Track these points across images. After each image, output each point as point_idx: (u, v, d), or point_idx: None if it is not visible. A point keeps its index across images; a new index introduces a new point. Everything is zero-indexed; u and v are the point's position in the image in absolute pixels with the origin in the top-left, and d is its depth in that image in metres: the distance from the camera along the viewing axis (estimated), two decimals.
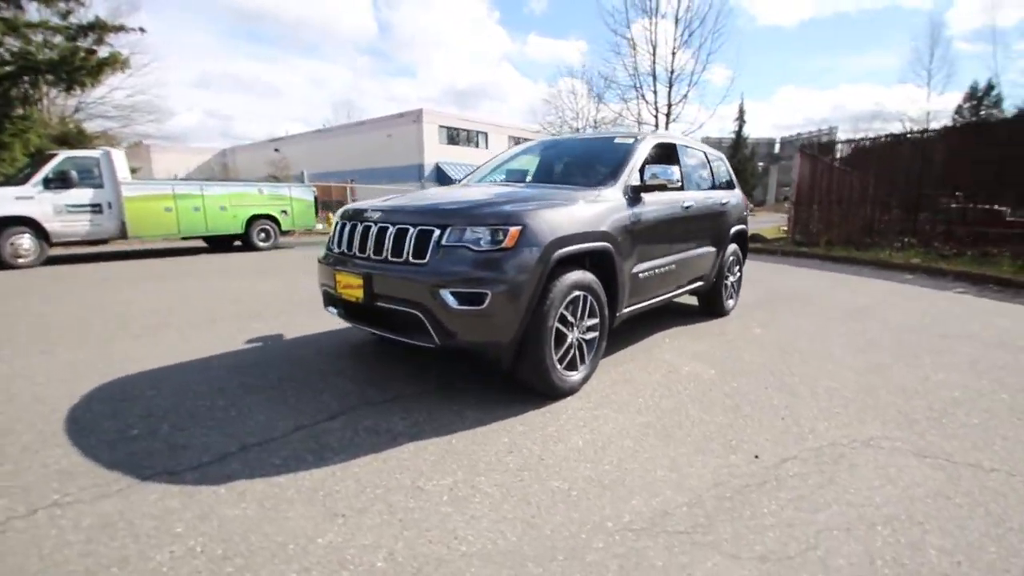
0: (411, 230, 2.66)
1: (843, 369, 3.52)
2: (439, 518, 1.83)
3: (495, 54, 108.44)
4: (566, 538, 1.73)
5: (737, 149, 47.16)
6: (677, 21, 17.07)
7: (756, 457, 2.30)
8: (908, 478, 2.15)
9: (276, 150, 35.76)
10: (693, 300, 5.16)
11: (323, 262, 3.20)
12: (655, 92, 17.90)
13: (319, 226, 12.77)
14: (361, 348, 3.80)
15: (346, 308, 3.04)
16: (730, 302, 5.16)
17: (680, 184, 3.66)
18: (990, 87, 40.63)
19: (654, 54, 17.47)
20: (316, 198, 12.13)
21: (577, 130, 28.89)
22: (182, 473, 2.08)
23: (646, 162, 3.62)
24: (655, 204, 3.57)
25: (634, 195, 3.40)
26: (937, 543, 1.74)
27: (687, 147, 4.43)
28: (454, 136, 31.24)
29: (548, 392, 2.85)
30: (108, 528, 1.73)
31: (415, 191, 3.56)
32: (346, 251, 2.99)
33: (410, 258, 2.64)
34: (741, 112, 48.24)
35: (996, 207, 10.56)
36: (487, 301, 2.48)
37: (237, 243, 11.25)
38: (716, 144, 25.30)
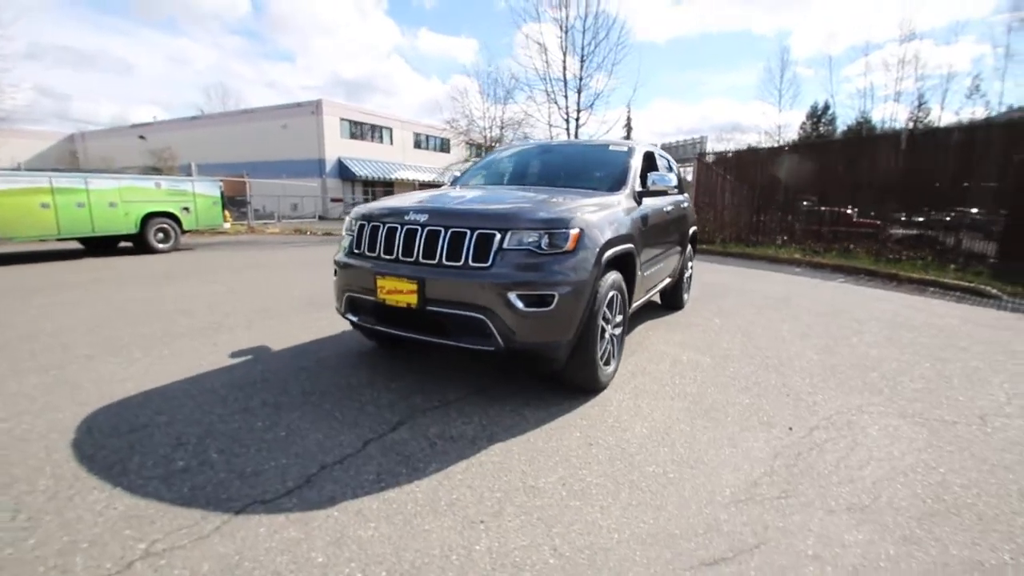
0: (469, 233, 2.65)
1: (803, 350, 4.12)
2: (573, 512, 1.91)
3: (384, 46, 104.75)
4: (694, 514, 1.92)
5: None
6: (584, 31, 18.04)
7: (790, 429, 2.67)
8: (906, 435, 2.65)
9: (141, 137, 31.33)
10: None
11: (349, 266, 3.03)
12: (566, 96, 18.72)
13: (226, 225, 11.53)
14: (365, 356, 3.64)
15: (384, 314, 2.91)
16: (685, 296, 5.70)
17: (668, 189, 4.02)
18: (826, 107, 48.29)
19: (564, 60, 18.26)
20: (223, 194, 10.96)
21: (486, 129, 29.17)
22: (277, 501, 1.91)
23: (643, 169, 3.92)
24: (650, 208, 3.88)
25: (638, 199, 3.67)
26: (956, 481, 2.20)
27: (658, 155, 4.83)
28: (357, 130, 29.80)
29: (592, 387, 3.01)
30: (238, 570, 1.56)
31: (425, 193, 3.45)
32: (384, 255, 2.87)
33: (470, 262, 2.63)
34: (628, 120, 51.89)
35: (844, 210, 12.72)
36: (554, 302, 2.57)
37: (125, 245, 9.79)
38: None
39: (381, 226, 2.92)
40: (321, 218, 22.79)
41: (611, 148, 4.21)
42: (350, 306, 3.11)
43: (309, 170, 26.40)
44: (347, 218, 3.37)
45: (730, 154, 15.61)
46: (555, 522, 1.84)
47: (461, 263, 2.65)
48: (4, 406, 2.68)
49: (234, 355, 3.60)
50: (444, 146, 35.84)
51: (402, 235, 2.81)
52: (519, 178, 4.08)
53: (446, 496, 1.98)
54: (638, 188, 3.72)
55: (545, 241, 2.61)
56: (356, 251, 3.04)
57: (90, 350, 3.64)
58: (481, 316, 2.59)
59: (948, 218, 10.71)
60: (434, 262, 2.71)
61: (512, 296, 2.55)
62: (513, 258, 2.59)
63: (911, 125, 41.57)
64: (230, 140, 29.40)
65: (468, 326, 2.66)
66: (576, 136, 19.05)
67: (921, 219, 10.98)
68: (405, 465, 2.20)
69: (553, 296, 2.57)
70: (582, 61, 18.35)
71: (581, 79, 18.52)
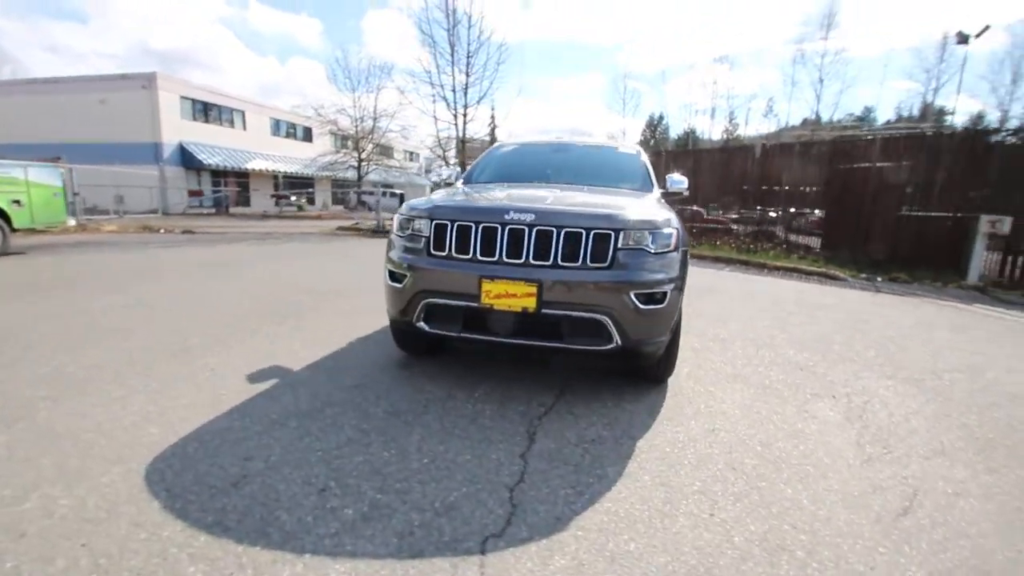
0: (585, 234, 2.62)
1: (768, 329, 4.82)
2: (773, 491, 2.07)
3: (207, 15, 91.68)
4: (853, 476, 2.21)
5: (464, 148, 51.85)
6: (471, 26, 18.08)
7: (834, 398, 3.16)
8: (909, 392, 3.32)
9: None
10: None
11: (432, 269, 2.76)
12: (454, 91, 18.58)
13: (72, 222, 9.13)
14: (404, 368, 3.32)
15: (482, 320, 2.72)
16: None
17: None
18: (661, 118, 55.22)
19: (452, 55, 18.10)
20: (65, 184, 8.72)
21: (358, 120, 27.58)
22: (509, 531, 1.73)
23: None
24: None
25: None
26: (972, 420, 2.85)
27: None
28: (202, 111, 25.58)
29: (664, 378, 3.20)
30: None
31: (490, 191, 3.23)
32: (482, 256, 2.68)
33: (588, 262, 2.61)
34: (493, 117, 53.18)
35: (696, 207, 14.81)
36: (666, 299, 2.69)
37: None
38: (478, 144, 27.50)
39: (474, 226, 2.72)
40: (166, 214, 19.25)
41: (620, 150, 4.42)
42: (427, 314, 2.83)
43: (140, 155, 22.02)
44: (400, 216, 3.06)
45: None
46: (771, 504, 1.98)
47: (579, 264, 2.61)
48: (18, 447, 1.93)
49: (252, 380, 3.02)
50: (307, 135, 32.89)
51: (506, 235, 2.66)
52: (547, 176, 4.03)
53: (658, 496, 1.99)
54: (660, 189, 3.99)
55: (653, 240, 2.70)
56: (439, 253, 2.78)
57: (42, 390, 2.74)
58: (602, 316, 2.60)
59: (780, 213, 13.23)
60: (548, 263, 2.62)
61: (632, 295, 2.60)
62: (629, 257, 2.64)
63: (725, 137, 49.81)
64: (25, 116, 23.16)
65: (587, 327, 2.64)
66: (464, 132, 19.10)
67: (773, 215, 13.33)
68: (583, 473, 2.14)
69: (666, 293, 2.68)
70: (468, 58, 18.38)
71: (468, 76, 18.53)
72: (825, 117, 46.91)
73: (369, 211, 28.72)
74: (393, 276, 2.95)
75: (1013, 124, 39.83)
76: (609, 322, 2.60)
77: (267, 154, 29.24)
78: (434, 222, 2.83)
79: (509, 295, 2.60)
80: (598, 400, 2.92)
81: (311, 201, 31.10)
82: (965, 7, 59.19)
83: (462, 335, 2.80)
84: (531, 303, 2.58)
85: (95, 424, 2.39)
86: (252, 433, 2.36)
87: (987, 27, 19.13)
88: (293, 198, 28.10)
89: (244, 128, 28.40)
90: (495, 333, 2.77)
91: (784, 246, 12.36)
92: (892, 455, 2.43)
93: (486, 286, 2.62)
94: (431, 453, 2.24)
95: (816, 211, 13.43)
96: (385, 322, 4.37)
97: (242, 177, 27.95)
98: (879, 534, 1.83)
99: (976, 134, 11.15)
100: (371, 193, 29.31)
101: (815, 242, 12.62)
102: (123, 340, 3.68)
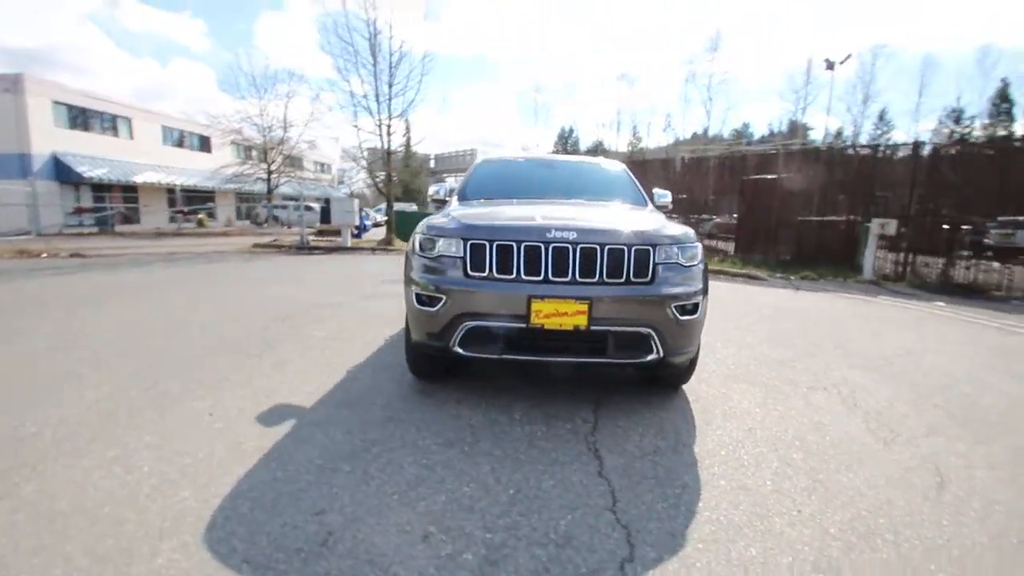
0: (627, 251, 2.68)
1: (738, 329, 5.22)
2: (846, 493, 2.25)
3: (72, 11, 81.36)
4: (890, 456, 2.47)
5: (408, 161, 50.95)
6: (392, 36, 17.71)
7: (826, 389, 3.50)
8: (877, 379, 3.75)
9: None
10: None
11: (474, 291, 2.67)
12: (378, 101, 18.04)
13: None
14: (418, 394, 3.17)
15: (529, 340, 2.68)
16: None
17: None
18: (571, 131, 57.67)
19: (375, 65, 17.60)
20: None
21: (266, 129, 25.91)
22: (636, 558, 1.73)
23: None
24: None
25: None
26: (939, 400, 3.30)
27: None
28: (80, 118, 22.36)
29: (683, 383, 3.35)
30: None
31: (513, 209, 3.20)
32: (527, 276, 2.65)
33: (631, 278, 2.68)
34: (408, 127, 52.31)
35: None
36: (699, 310, 2.83)
37: None
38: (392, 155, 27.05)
39: (516, 245, 2.68)
40: (40, 235, 16.53)
41: (605, 166, 4.57)
42: (467, 338, 2.73)
43: (4, 169, 18.85)
44: (421, 236, 2.94)
45: None
46: (837, 494, 2.15)
47: (623, 280, 2.67)
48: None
49: (266, 422, 2.72)
50: (205, 145, 30.12)
51: (550, 254, 2.65)
52: (547, 191, 4.04)
53: (744, 500, 2.08)
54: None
55: (683, 254, 2.84)
56: (478, 274, 2.71)
57: (8, 459, 2.26)
58: (646, 329, 2.68)
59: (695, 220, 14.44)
60: (594, 280, 2.66)
61: (673, 307, 2.71)
62: (667, 271, 2.75)
63: (630, 149, 53.24)
64: None
65: (632, 341, 2.71)
66: (388, 143, 18.62)
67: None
68: (665, 485, 2.18)
69: (698, 304, 2.82)
70: (391, 69, 17.97)
71: (391, 87, 18.10)
72: (714, 132, 51.86)
73: (282, 226, 26.98)
74: (423, 300, 2.81)
75: (864, 139, 46.57)
76: (653, 335, 2.68)
77: (159, 165, 26.36)
78: (469, 242, 2.75)
79: (560, 314, 2.60)
80: (634, 411, 2.98)
81: (211, 215, 28.52)
82: (826, 36, 68.68)
83: (503, 356, 2.75)
84: (583, 321, 2.60)
85: (106, 494, 2.02)
86: (306, 483, 2.13)
87: (849, 55, 22.54)
88: (202, 215, 25.55)
89: (131, 137, 25.35)
90: (539, 352, 2.76)
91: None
92: (901, 437, 2.75)
93: (536, 306, 2.59)
94: (512, 483, 2.16)
95: (715, 218, 14.88)
96: (374, 348, 4.20)
97: (130, 191, 24.94)
98: (934, 509, 2.06)
99: (866, 149, 12.91)
100: (284, 207, 27.59)
101: (729, 246, 13.88)
102: (81, 388, 3.14)
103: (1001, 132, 43.26)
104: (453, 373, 3.45)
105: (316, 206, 25.24)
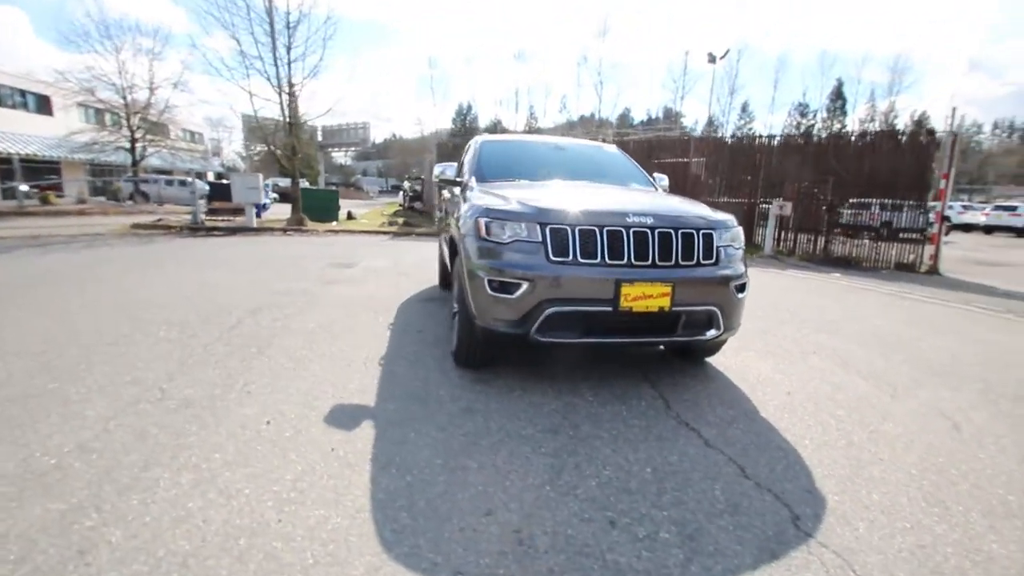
0: (696, 234, 2.83)
1: None
2: (902, 441, 2.64)
3: None
4: (925, 416, 2.95)
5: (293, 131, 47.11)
6: None
7: (826, 352, 4.03)
8: (847, 343, 4.40)
9: None
10: None
11: (560, 277, 2.65)
12: (276, 65, 16.29)
13: None
14: (478, 379, 3.11)
15: (611, 324, 2.74)
16: None
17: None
18: (470, 107, 56.87)
19: (272, 24, 15.81)
20: None
21: (126, 89, 22.21)
22: (801, 517, 1.92)
23: None
24: None
25: None
26: (903, 357, 3.97)
27: None
28: None
29: (714, 355, 3.65)
30: None
31: (586, 191, 3.17)
32: (609, 259, 2.69)
33: (701, 260, 2.85)
34: (292, 95, 48.05)
35: None
36: (746, 288, 3.10)
37: None
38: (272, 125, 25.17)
39: (598, 230, 2.70)
40: None
41: (606, 149, 4.68)
42: (548, 324, 2.72)
43: None
44: (485, 220, 2.85)
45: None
46: (896, 442, 2.54)
47: (695, 262, 2.83)
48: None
49: (336, 423, 2.49)
50: (43, 106, 24.87)
51: (631, 238, 2.72)
52: (559, 173, 4.01)
53: (841, 457, 2.38)
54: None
55: (736, 237, 3.07)
56: (561, 259, 2.69)
57: (56, 502, 1.82)
58: (714, 308, 2.88)
59: None
60: (671, 263, 2.78)
61: (733, 286, 2.94)
62: (725, 254, 2.96)
63: (527, 129, 54.15)
64: None
65: (700, 319, 2.89)
66: (291, 108, 17.03)
67: None
68: (767, 450, 2.41)
69: (746, 283, 3.09)
70: (289, 30, 16.28)
71: (290, 49, 16.43)
72: (605, 115, 54.60)
73: (151, 203, 23.39)
74: (498, 286, 2.73)
75: (730, 128, 52.03)
76: (718, 312, 2.90)
77: None
78: (549, 227, 2.72)
79: (646, 296, 2.69)
80: (687, 386, 3.20)
81: (52, 189, 23.92)
82: (699, 32, 74.94)
83: (583, 340, 2.79)
84: (666, 303, 2.72)
85: (234, 529, 1.74)
86: (445, 484, 2.02)
87: (728, 51, 25.04)
88: (49, 190, 21.15)
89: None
90: (618, 335, 2.84)
91: None
92: (900, 391, 3.28)
93: (626, 289, 2.66)
94: (641, 461, 2.25)
95: None
96: (384, 338, 3.97)
97: None
98: (964, 446, 2.53)
99: (752, 138, 14.48)
100: (154, 181, 23.98)
101: None
102: (67, 407, 2.59)
103: (836, 125, 51.13)
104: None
105: (198, 182, 22.31)
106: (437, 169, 4.20)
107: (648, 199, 3.29)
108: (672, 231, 2.79)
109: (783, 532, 1.80)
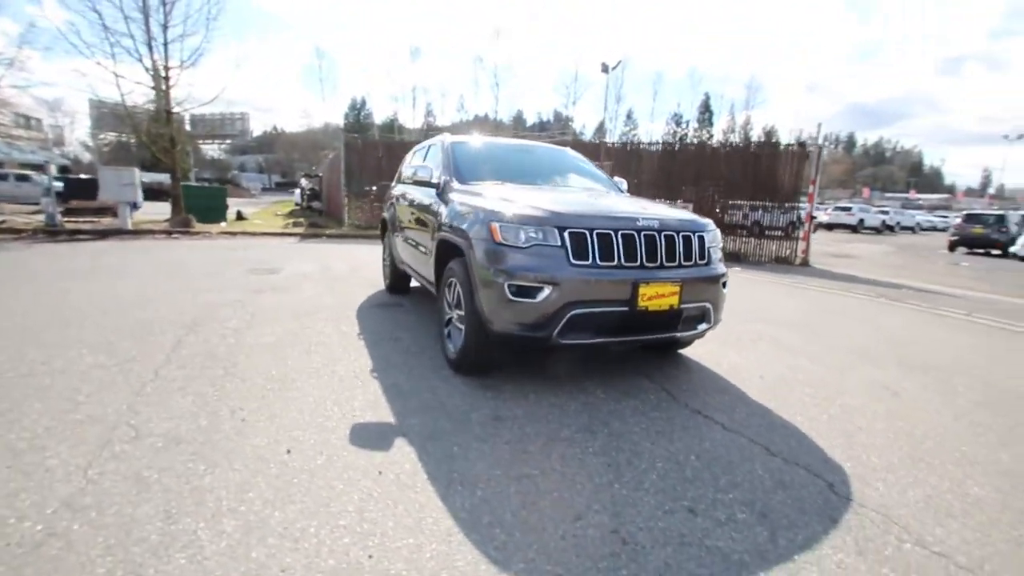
0: (693, 236, 3.06)
1: None
2: (888, 406, 3.08)
3: None
4: (899, 382, 3.46)
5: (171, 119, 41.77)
6: None
7: (777, 340, 4.55)
8: (784, 330, 5.01)
9: None
10: None
11: (585, 280, 2.71)
12: (149, 45, 14.30)
13: None
14: (488, 386, 3.09)
15: (626, 323, 2.85)
16: None
17: None
18: (364, 102, 54.43)
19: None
20: None
21: None
22: (836, 485, 2.19)
23: None
24: None
25: None
26: (838, 343, 4.63)
27: None
28: None
29: (685, 347, 3.96)
30: None
31: (582, 196, 3.22)
32: (625, 262, 2.80)
33: (697, 260, 3.08)
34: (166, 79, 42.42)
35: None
36: (727, 284, 3.42)
37: None
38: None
39: (614, 234, 2.81)
40: None
41: (570, 153, 4.81)
42: (570, 326, 2.77)
43: None
44: (502, 224, 2.83)
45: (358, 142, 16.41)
46: (885, 412, 2.98)
47: (692, 262, 3.06)
48: None
49: (372, 445, 2.32)
50: None
51: (643, 241, 2.86)
52: (534, 175, 4.06)
53: (839, 425, 2.73)
54: None
55: (717, 239, 3.36)
56: (581, 262, 2.75)
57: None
58: (708, 304, 3.14)
59: None
60: (675, 263, 2.98)
61: (722, 283, 3.23)
62: (712, 253, 3.23)
63: (425, 127, 53.36)
64: None
65: (697, 315, 3.13)
66: (164, 94, 15.06)
67: None
68: (780, 429, 2.70)
69: (728, 280, 3.40)
70: (165, 6, 14.38)
71: (166, 27, 14.52)
72: (501, 116, 55.69)
73: None
74: (523, 291, 2.73)
75: (617, 134, 55.77)
76: (711, 308, 3.16)
77: None
78: (568, 231, 2.78)
79: (660, 296, 2.86)
80: (680, 377, 3.45)
81: None
82: (593, 42, 79.05)
83: (599, 340, 2.89)
84: (675, 301, 2.91)
85: None
86: (521, 495, 1.98)
87: (620, 62, 26.88)
88: None
89: None
90: (631, 333, 2.97)
91: None
92: (843, 369, 3.83)
93: (643, 290, 2.79)
94: (682, 451, 2.39)
95: None
96: (360, 348, 3.78)
97: None
98: (914, 411, 3.04)
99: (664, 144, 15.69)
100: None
101: None
102: (41, 458, 2.10)
103: (704, 134, 57.18)
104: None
105: (46, 177, 18.83)
106: (408, 170, 4.05)
107: (640, 203, 3.48)
108: (675, 234, 2.99)
109: (828, 499, 2.05)
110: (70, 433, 2.33)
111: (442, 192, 3.80)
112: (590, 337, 2.85)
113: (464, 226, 3.11)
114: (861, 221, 27.24)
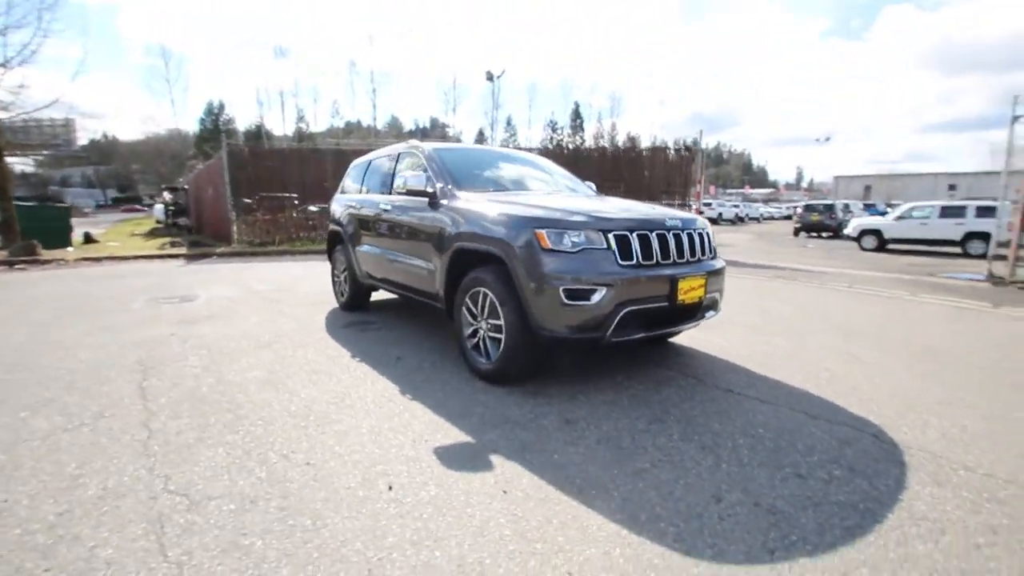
0: (702, 233, 3.35)
1: None
2: (885, 374, 3.61)
3: None
4: (817, 351, 4.05)
5: None
6: None
7: (737, 321, 5.08)
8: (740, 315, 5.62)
9: None
10: None
11: (635, 279, 2.84)
12: None
13: None
14: (529, 392, 3.10)
15: (664, 317, 3.03)
16: None
17: None
18: (222, 106, 49.12)
19: None
20: None
21: None
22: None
23: None
24: None
25: None
26: (762, 311, 5.32)
27: None
28: None
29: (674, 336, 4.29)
30: None
31: (587, 201, 3.33)
32: (659, 259, 2.99)
33: (710, 254, 3.38)
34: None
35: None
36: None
37: None
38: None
39: (651, 234, 2.99)
40: None
41: (545, 159, 4.91)
42: (622, 325, 2.88)
43: None
44: (548, 231, 2.87)
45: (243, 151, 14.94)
46: (881, 373, 3.51)
47: (707, 257, 3.36)
48: None
49: (463, 466, 2.22)
50: None
51: (672, 240, 3.08)
52: (524, 182, 4.12)
53: (836, 387, 3.18)
54: None
55: (713, 234, 3.71)
56: (628, 262, 2.88)
57: None
58: (717, 294, 3.47)
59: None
60: (695, 259, 3.24)
61: (723, 274, 3.57)
62: (715, 248, 3.57)
63: (297, 133, 49.83)
64: None
65: (710, 304, 3.43)
66: None
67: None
68: (804, 404, 3.08)
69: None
70: None
71: None
72: (375, 124, 54.10)
73: None
74: (578, 294, 2.79)
75: (498, 140, 57.12)
76: (718, 296, 3.50)
77: None
78: (612, 233, 2.89)
79: (692, 289, 3.10)
80: (683, 362, 3.73)
81: None
82: (468, 49, 79.72)
83: (641, 335, 3.04)
84: (703, 293, 3.18)
85: None
86: (654, 489, 2.05)
87: (504, 71, 27.68)
88: None
89: None
90: (666, 325, 3.18)
91: None
92: (809, 342, 4.44)
93: (681, 285, 3.01)
94: (747, 427, 2.63)
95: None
96: (367, 375, 3.52)
97: None
98: (878, 375, 3.65)
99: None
100: None
101: None
102: (82, 544, 1.66)
103: (577, 139, 61.00)
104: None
105: None
106: (403, 178, 3.84)
107: (645, 205, 3.71)
108: (692, 232, 3.26)
109: (883, 447, 2.41)
110: (97, 513, 1.89)
111: (439, 201, 3.68)
112: (634, 333, 2.99)
113: (498, 234, 3.06)
114: (720, 214, 31.27)
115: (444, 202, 3.66)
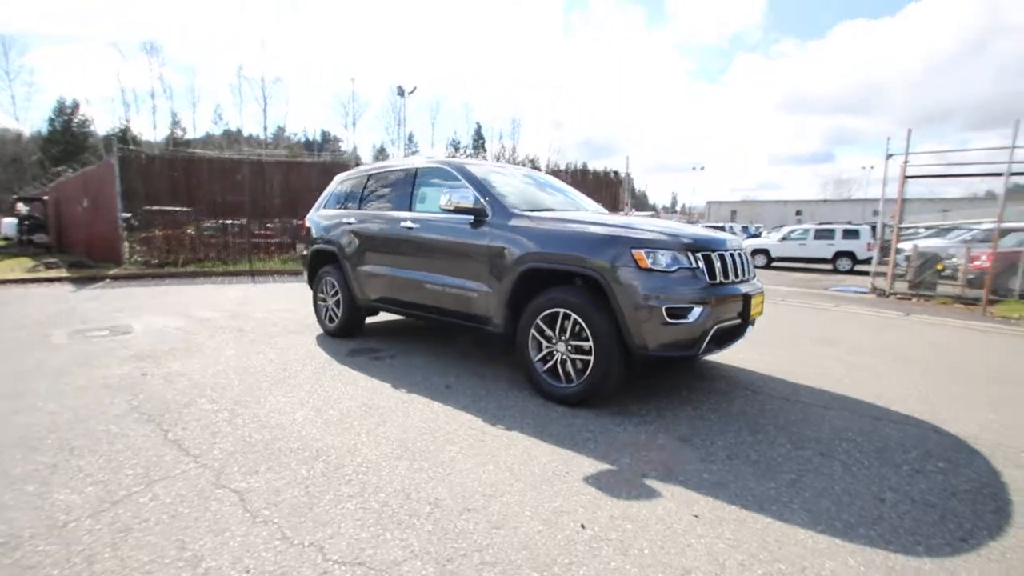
0: (745, 254, 3.62)
1: None
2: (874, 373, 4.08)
3: None
4: (807, 354, 4.55)
5: None
6: None
7: None
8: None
9: None
10: None
11: (724, 296, 2.99)
12: None
13: None
14: (570, 414, 3.12)
15: (733, 332, 3.22)
16: None
17: None
18: (76, 104, 42.40)
19: None
20: None
21: None
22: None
23: None
24: None
25: None
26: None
27: None
28: None
29: None
30: None
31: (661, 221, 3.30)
32: (732, 278, 3.19)
33: (749, 274, 3.66)
34: None
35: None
36: None
37: None
38: None
39: (727, 254, 3.18)
40: None
41: (552, 178, 4.95)
42: (712, 342, 3.02)
43: None
44: (645, 251, 2.93)
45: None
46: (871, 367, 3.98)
47: (752, 275, 3.63)
48: None
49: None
50: None
51: (735, 260, 3.30)
52: (565, 203, 4.15)
53: (836, 378, 3.59)
54: None
55: None
56: (714, 281, 3.03)
57: None
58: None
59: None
60: (750, 276, 3.50)
61: None
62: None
63: (171, 140, 44.55)
64: None
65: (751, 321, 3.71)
66: None
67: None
68: (817, 401, 3.43)
69: None
70: None
71: None
72: (261, 133, 50.52)
73: None
74: (678, 312, 2.87)
75: (402, 155, 56.25)
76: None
77: None
78: (700, 254, 3.03)
79: (757, 305, 3.34)
80: (700, 374, 3.97)
81: None
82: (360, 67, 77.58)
83: (717, 350, 3.21)
84: (762, 308, 3.43)
85: None
86: (797, 494, 2.16)
87: (415, 87, 27.39)
88: None
89: None
90: (733, 340, 3.37)
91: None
92: (803, 351, 4.94)
93: (752, 301, 3.23)
94: (814, 428, 2.88)
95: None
96: (431, 410, 3.35)
97: None
98: (871, 375, 4.19)
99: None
100: None
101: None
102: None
103: (480, 159, 61.98)
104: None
105: None
106: (443, 199, 3.64)
107: (696, 227, 3.94)
108: (742, 251, 3.51)
109: (946, 440, 2.78)
110: None
111: (490, 219, 3.57)
112: (714, 349, 3.14)
113: (588, 253, 3.04)
114: None
115: (497, 220, 3.55)
